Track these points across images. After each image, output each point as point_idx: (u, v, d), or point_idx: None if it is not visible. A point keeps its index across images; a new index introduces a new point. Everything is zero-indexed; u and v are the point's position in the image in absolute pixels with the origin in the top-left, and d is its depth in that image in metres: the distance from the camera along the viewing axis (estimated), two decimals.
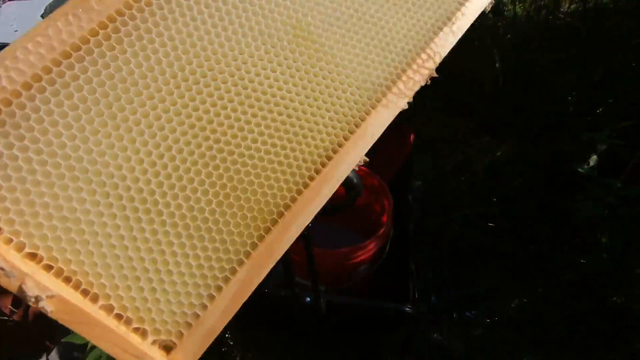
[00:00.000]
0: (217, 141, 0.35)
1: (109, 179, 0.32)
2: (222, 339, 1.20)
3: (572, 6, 1.91)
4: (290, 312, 0.86)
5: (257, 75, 0.37)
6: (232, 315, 0.34)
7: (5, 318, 0.92)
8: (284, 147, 0.38)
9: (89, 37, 0.32)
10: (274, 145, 0.37)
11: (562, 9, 1.92)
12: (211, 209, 0.35)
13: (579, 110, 1.46)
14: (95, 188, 0.32)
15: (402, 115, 1.46)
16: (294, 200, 0.37)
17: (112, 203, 0.32)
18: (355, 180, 0.47)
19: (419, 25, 0.45)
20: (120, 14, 0.33)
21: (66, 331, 1.17)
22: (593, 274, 1.22)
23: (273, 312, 0.96)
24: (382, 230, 0.89)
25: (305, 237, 0.60)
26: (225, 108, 0.36)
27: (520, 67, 1.76)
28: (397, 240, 1.19)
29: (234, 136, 0.36)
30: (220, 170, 0.35)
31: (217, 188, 0.35)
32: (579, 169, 0.94)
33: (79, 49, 0.31)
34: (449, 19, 0.46)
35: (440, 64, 0.50)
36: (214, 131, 0.35)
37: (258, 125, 0.37)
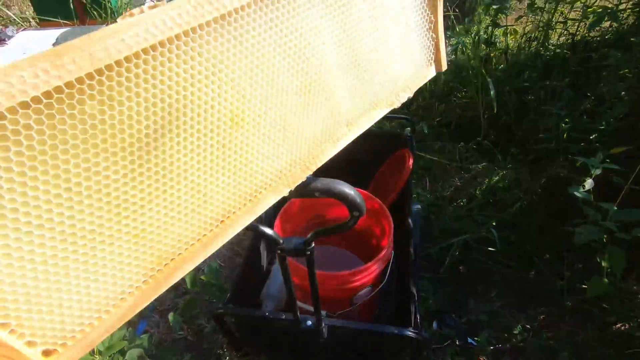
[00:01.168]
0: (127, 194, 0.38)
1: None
2: None
3: (562, 39, 2.00)
4: (292, 337, 0.85)
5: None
6: (113, 332, 0.41)
7: None
8: (188, 209, 0.42)
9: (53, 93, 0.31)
10: (180, 207, 0.42)
11: (551, 41, 2.00)
12: (120, 251, 0.39)
13: (572, 137, 1.50)
14: None
15: (400, 139, 1.50)
16: (186, 249, 0.43)
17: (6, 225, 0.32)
18: (358, 200, 0.48)
19: (312, 136, 0.51)
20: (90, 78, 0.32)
21: None
22: (595, 300, 1.21)
23: (274, 337, 0.95)
24: (383, 253, 0.90)
25: (308, 259, 0.61)
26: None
27: (514, 95, 1.82)
28: (398, 264, 1.19)
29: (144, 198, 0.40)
30: (129, 221, 0.39)
31: (126, 234, 0.39)
32: (575, 193, 0.96)
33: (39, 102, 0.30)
34: (331, 136, 0.52)
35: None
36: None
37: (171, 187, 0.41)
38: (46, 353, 0.37)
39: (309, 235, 0.57)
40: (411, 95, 0.61)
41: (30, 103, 0.29)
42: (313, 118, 0.50)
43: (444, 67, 0.66)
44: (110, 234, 0.37)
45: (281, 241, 0.58)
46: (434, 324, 1.26)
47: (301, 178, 0.49)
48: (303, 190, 0.47)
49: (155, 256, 0.41)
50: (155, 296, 0.42)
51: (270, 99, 0.44)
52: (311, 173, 0.49)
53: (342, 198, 0.47)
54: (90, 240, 0.36)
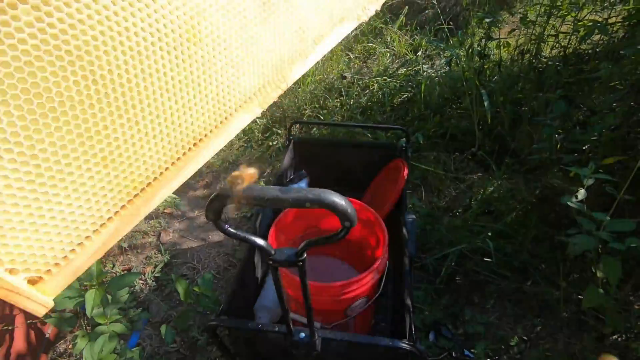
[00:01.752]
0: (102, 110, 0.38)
1: None
2: None
3: (554, 51, 2.03)
4: (285, 349, 0.83)
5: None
6: (98, 258, 0.40)
7: None
8: (157, 131, 0.42)
9: None
10: (151, 128, 0.41)
11: (543, 54, 2.04)
12: (89, 175, 0.38)
13: (566, 148, 1.51)
14: None
15: (395, 150, 1.51)
16: (160, 174, 0.42)
17: None
18: (349, 210, 0.48)
19: (279, 53, 0.50)
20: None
21: None
22: (591, 310, 1.21)
23: (268, 349, 0.93)
24: (377, 264, 0.89)
25: (300, 268, 0.60)
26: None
27: (508, 106, 1.84)
28: (394, 275, 1.18)
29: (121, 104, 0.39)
30: (93, 143, 0.38)
31: (93, 157, 0.38)
32: (569, 203, 0.96)
33: None
34: (300, 54, 0.52)
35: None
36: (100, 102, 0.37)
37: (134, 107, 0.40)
38: (31, 281, 0.36)
39: (300, 246, 0.56)
40: (378, 8, 0.58)
41: None
42: (278, 33, 0.47)
43: None
44: (75, 156, 0.36)
45: (273, 252, 0.57)
46: (430, 335, 1.25)
47: (273, 98, 0.47)
48: (294, 201, 0.47)
49: (130, 180, 0.41)
50: (136, 222, 0.42)
51: (228, 10, 0.42)
52: (282, 92, 0.47)
53: (333, 208, 0.47)
54: (55, 163, 0.35)
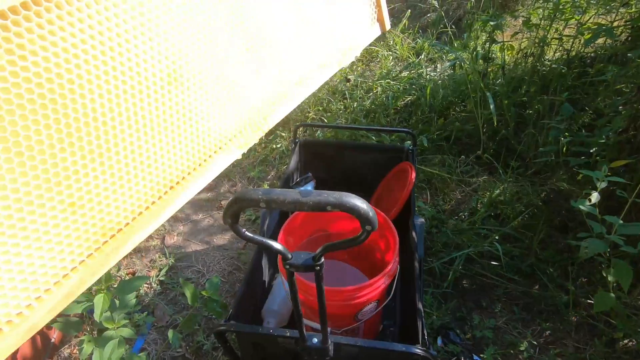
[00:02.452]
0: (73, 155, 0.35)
1: None
2: None
3: (557, 54, 2.04)
4: (295, 354, 0.82)
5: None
6: (58, 312, 0.36)
7: None
8: (132, 175, 0.39)
9: None
10: (124, 170, 0.39)
11: (547, 57, 2.04)
12: (55, 222, 0.35)
13: (572, 151, 1.51)
14: None
15: (402, 153, 1.51)
16: (133, 219, 0.39)
17: None
18: (370, 214, 0.47)
19: (261, 95, 0.50)
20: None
21: None
22: (601, 315, 1.20)
23: (277, 354, 0.92)
24: (389, 268, 0.88)
25: (317, 273, 0.59)
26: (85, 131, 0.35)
27: (513, 109, 1.84)
28: (402, 279, 1.17)
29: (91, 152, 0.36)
30: (62, 188, 0.35)
31: (60, 203, 0.35)
32: (581, 207, 0.96)
33: None
34: (283, 96, 0.51)
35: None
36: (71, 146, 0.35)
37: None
38: None
39: (318, 250, 0.56)
40: (358, 54, 0.62)
41: None
42: (260, 76, 0.47)
43: (388, 27, 0.67)
44: (40, 203, 0.33)
45: (290, 256, 0.56)
46: (439, 340, 1.24)
47: (254, 140, 0.47)
48: (315, 204, 0.47)
49: (99, 227, 0.37)
50: (103, 271, 0.39)
51: (211, 55, 0.42)
52: (263, 134, 0.47)
53: (355, 212, 0.46)
54: (16, 210, 0.32)
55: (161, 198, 0.42)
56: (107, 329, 0.88)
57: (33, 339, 1.01)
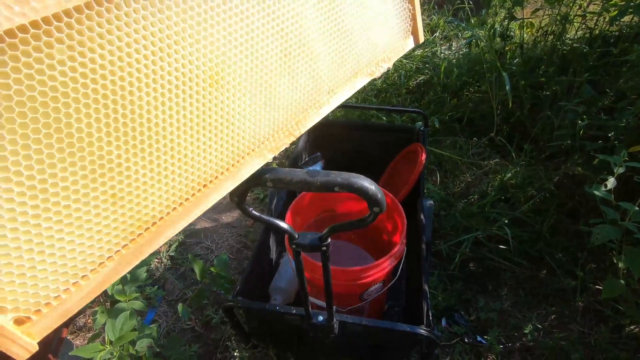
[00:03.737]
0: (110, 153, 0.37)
1: None
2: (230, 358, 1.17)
3: (579, 32, 1.94)
4: (301, 331, 0.84)
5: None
6: (91, 299, 0.38)
7: None
8: (170, 171, 0.41)
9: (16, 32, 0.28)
10: (162, 166, 0.40)
11: (568, 35, 1.95)
12: (97, 212, 0.37)
13: (589, 134, 1.46)
14: None
15: (412, 134, 1.48)
16: (167, 214, 0.41)
17: None
18: (379, 196, 0.46)
19: (294, 101, 0.51)
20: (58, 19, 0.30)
21: (70, 346, 1.14)
22: (608, 301, 1.19)
23: (283, 330, 0.94)
24: (395, 249, 0.88)
25: (323, 254, 0.59)
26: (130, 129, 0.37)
27: (529, 90, 1.78)
28: (408, 260, 1.18)
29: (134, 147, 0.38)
30: (106, 179, 0.37)
31: (102, 194, 0.37)
32: (595, 192, 0.93)
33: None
34: (314, 103, 0.53)
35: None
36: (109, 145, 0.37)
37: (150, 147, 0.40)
38: (18, 321, 0.34)
39: (325, 231, 0.55)
40: (390, 65, 0.63)
41: None
42: (295, 82, 0.49)
43: (422, 39, 0.68)
44: (85, 192, 0.35)
45: (297, 236, 0.56)
46: (443, 321, 1.25)
47: (285, 144, 0.48)
48: (322, 185, 0.46)
49: (136, 219, 0.39)
50: (137, 262, 0.40)
51: (252, 59, 0.43)
52: (295, 139, 0.48)
53: (363, 193, 0.46)
54: (64, 198, 0.34)
55: (194, 195, 0.44)
56: (119, 301, 0.90)
57: None
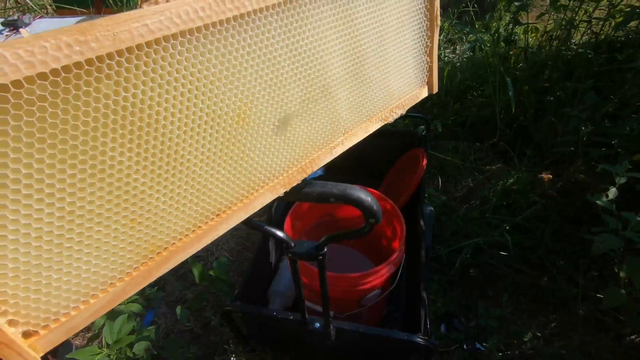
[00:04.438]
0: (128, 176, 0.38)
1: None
2: None
3: (584, 37, 1.93)
4: (299, 336, 0.84)
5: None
6: (97, 318, 0.39)
7: None
8: (188, 200, 0.43)
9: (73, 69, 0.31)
10: (179, 195, 0.42)
11: (573, 40, 1.94)
12: (115, 235, 0.38)
13: (593, 141, 1.45)
14: None
15: (414, 138, 1.48)
16: (179, 240, 0.43)
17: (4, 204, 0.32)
18: (375, 207, 0.46)
19: (310, 140, 0.54)
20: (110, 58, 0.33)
21: (69, 346, 1.15)
22: (610, 310, 1.18)
23: (281, 335, 0.94)
24: (394, 256, 0.88)
25: (320, 262, 0.59)
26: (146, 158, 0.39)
27: (533, 95, 1.77)
28: (408, 266, 1.17)
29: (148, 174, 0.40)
30: (129, 205, 0.39)
31: (124, 218, 0.38)
32: (598, 202, 0.93)
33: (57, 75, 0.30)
34: (328, 143, 0.56)
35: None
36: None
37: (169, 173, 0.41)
38: (26, 334, 0.35)
39: (321, 240, 0.55)
40: (404, 112, 0.67)
41: (49, 75, 0.29)
42: (313, 123, 0.52)
43: (435, 90, 0.72)
44: (108, 216, 0.37)
45: (293, 244, 0.56)
46: (442, 327, 1.25)
47: (297, 180, 0.50)
48: (319, 195, 0.46)
49: (150, 243, 0.41)
50: (144, 285, 0.42)
51: (276, 99, 0.46)
52: (307, 176, 0.50)
53: (359, 205, 0.45)
54: (88, 221, 0.36)
55: (207, 224, 0.46)
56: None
57: None
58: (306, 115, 0.50)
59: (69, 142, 0.32)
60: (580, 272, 1.28)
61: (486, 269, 1.38)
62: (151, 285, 1.41)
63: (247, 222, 0.54)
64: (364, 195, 0.46)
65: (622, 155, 1.10)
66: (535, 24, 1.89)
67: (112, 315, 0.85)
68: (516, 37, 2.05)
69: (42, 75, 0.29)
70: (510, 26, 1.91)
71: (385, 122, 0.62)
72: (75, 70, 0.31)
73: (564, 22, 1.81)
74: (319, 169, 1.43)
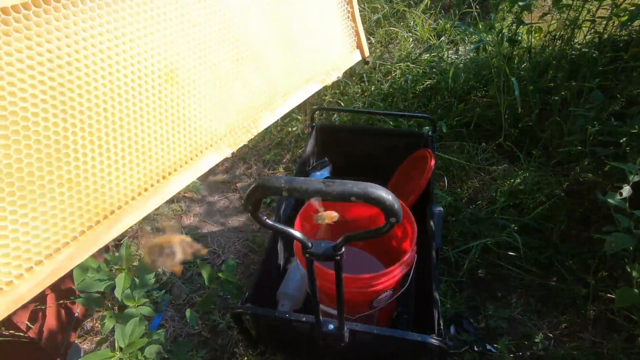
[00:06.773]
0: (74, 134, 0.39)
1: None
2: None
3: (588, 37, 1.93)
4: (310, 338, 0.83)
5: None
6: (46, 287, 0.38)
7: (21, 334, 0.91)
8: (127, 160, 0.43)
9: None
10: (121, 157, 0.42)
11: (577, 40, 1.94)
12: (52, 196, 0.37)
13: (600, 140, 1.44)
14: None
15: (421, 139, 1.48)
16: (126, 203, 0.43)
17: None
18: (396, 206, 0.46)
19: (249, 101, 0.55)
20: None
21: (77, 350, 1.14)
22: (621, 310, 1.17)
23: (292, 337, 0.94)
24: (407, 257, 0.87)
25: (337, 263, 0.59)
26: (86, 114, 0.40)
27: (537, 95, 1.77)
28: (417, 267, 1.17)
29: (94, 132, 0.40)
30: (62, 164, 0.38)
31: (58, 177, 0.37)
32: (610, 200, 0.92)
33: None
34: (268, 104, 0.58)
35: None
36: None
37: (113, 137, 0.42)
38: None
39: (339, 240, 0.55)
40: (340, 75, 0.70)
41: None
42: (248, 85, 0.53)
43: (367, 53, 0.77)
44: (40, 175, 0.36)
45: (310, 245, 0.56)
46: (451, 329, 1.24)
47: (243, 141, 0.51)
48: (339, 194, 0.45)
49: (93, 206, 0.40)
50: (94, 249, 0.41)
51: (205, 60, 0.47)
52: (252, 136, 0.52)
53: (380, 203, 0.45)
54: (18, 179, 0.34)
55: (153, 186, 0.45)
56: (126, 305, 0.90)
57: (58, 312, 1.05)
58: (239, 78, 0.51)
59: None
60: (590, 271, 1.28)
61: (494, 270, 1.37)
62: (158, 289, 1.40)
63: (263, 222, 0.53)
64: (385, 193, 0.45)
65: (631, 153, 1.09)
66: (538, 24, 1.89)
67: (123, 318, 0.85)
68: (519, 37, 2.05)
69: None
70: (514, 26, 1.90)
71: (324, 84, 0.64)
72: None
73: (567, 22, 1.80)
74: (325, 170, 1.43)
